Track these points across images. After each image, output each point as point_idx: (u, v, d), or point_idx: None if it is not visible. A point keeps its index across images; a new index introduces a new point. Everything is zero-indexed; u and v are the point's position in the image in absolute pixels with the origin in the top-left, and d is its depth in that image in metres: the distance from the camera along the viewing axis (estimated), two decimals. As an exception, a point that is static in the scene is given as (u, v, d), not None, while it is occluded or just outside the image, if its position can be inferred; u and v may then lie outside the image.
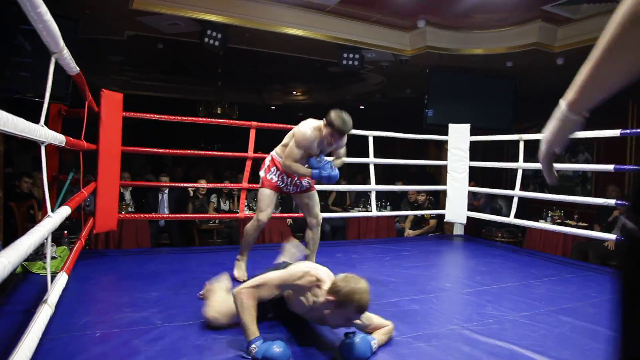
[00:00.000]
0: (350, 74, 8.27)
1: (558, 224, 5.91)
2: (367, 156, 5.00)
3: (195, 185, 5.57)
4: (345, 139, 3.13)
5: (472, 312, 2.66)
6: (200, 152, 4.77)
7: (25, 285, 2.79)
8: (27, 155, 8.56)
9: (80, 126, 3.28)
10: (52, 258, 3.13)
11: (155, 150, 4.24)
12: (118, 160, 3.81)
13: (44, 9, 1.28)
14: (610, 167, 3.97)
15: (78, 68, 2.31)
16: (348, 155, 5.31)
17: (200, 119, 4.71)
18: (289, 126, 4.63)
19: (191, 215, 5.59)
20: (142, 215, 4.90)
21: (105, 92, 3.63)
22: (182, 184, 5.73)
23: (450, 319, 2.52)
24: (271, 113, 12.66)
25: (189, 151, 4.57)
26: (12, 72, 4.59)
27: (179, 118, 4.29)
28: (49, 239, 1.81)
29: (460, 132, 5.40)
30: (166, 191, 6.01)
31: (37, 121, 1.67)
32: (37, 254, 3.09)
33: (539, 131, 8.29)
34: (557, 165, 6.63)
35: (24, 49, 4.59)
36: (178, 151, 4.44)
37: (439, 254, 4.64)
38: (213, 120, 4.75)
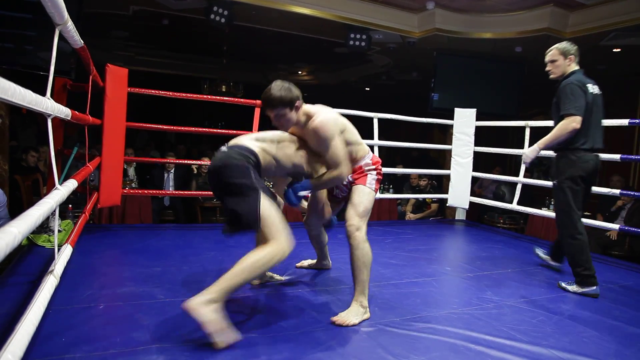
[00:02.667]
0: (356, 55, 8.19)
1: (560, 211, 5.89)
2: (372, 138, 4.99)
3: (199, 162, 5.57)
4: (320, 136, 2.17)
5: (472, 296, 2.68)
6: (204, 129, 4.74)
7: (31, 257, 2.82)
8: (30, 130, 8.57)
9: (84, 101, 3.27)
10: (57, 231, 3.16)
11: (160, 126, 4.23)
12: (122, 136, 3.81)
13: (50, -21, 1.26)
14: (616, 156, 3.95)
15: (82, 41, 2.29)
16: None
17: (204, 96, 4.68)
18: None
19: (194, 193, 5.60)
20: (145, 191, 4.91)
21: (110, 67, 3.61)
22: (186, 161, 5.74)
23: (450, 303, 2.54)
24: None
25: (193, 128, 4.55)
26: (16, 45, 4.56)
27: (184, 95, 4.27)
28: (57, 211, 1.83)
29: (466, 116, 5.36)
30: (172, 170, 6.02)
31: (42, 94, 1.66)
32: (42, 226, 3.12)
33: (545, 118, 8.25)
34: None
35: (28, 21, 4.55)
36: (182, 128, 4.42)
37: (440, 238, 4.66)
38: (217, 97, 4.72)
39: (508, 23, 6.13)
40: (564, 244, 2.98)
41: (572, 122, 2.81)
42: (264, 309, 2.27)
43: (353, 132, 2.41)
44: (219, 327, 1.75)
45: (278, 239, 1.92)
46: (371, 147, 5.11)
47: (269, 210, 1.94)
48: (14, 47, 4.62)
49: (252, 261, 1.87)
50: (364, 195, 2.39)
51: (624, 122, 3.84)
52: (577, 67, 2.98)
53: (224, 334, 1.77)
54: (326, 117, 2.19)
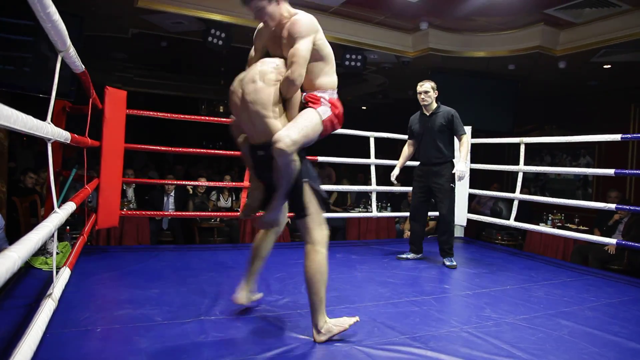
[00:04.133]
0: (352, 75, 8.29)
1: (559, 227, 5.91)
2: (369, 157, 5.02)
3: (195, 183, 5.58)
4: (294, 30, 2.03)
5: (471, 314, 2.67)
6: (202, 150, 4.79)
7: (28, 279, 2.80)
8: (29, 151, 8.60)
9: (84, 122, 3.30)
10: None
11: (158, 147, 4.25)
12: (121, 157, 3.83)
13: (53, 9, 1.29)
14: (610, 171, 3.98)
15: (83, 66, 2.33)
16: (350, 155, 5.35)
17: (202, 117, 4.73)
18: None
19: (191, 213, 5.60)
20: (143, 213, 4.91)
21: (109, 90, 3.65)
22: (183, 182, 5.74)
23: (449, 321, 2.53)
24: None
25: (191, 149, 4.59)
26: (16, 67, 4.61)
27: (182, 116, 4.31)
28: (55, 234, 1.83)
29: (461, 134, 5.40)
30: (172, 193, 6.01)
31: (40, 116, 1.68)
32: (40, 249, 3.10)
33: (540, 134, 8.34)
34: (559, 169, 6.61)
35: (28, 43, 4.61)
36: (180, 149, 4.45)
37: (439, 255, 4.65)
38: (215, 118, 4.76)
39: (500, 42, 6.23)
40: (451, 229, 4.02)
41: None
42: (255, 331, 2.26)
43: (330, 52, 2.19)
44: (342, 328, 2.10)
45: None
46: (368, 166, 5.15)
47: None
48: (14, 70, 4.67)
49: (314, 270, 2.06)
50: (309, 118, 2.04)
51: (616, 137, 3.88)
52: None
53: (345, 326, 2.10)
54: (308, 16, 2.08)
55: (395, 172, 4.22)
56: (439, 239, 4.06)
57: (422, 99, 3.95)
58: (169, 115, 4.18)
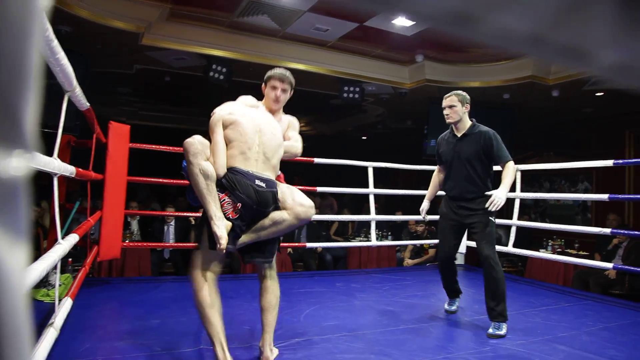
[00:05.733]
0: (351, 106, 8.46)
1: (559, 253, 5.90)
2: (367, 186, 5.09)
3: (195, 214, 5.64)
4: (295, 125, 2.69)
5: (469, 340, 2.69)
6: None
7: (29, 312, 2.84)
8: (32, 184, 8.70)
9: (88, 155, 3.40)
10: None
11: (160, 180, 4.34)
12: (124, 190, 3.91)
13: (62, 55, 1.40)
14: (604, 196, 4.03)
15: (88, 104, 2.44)
16: (350, 185, 5.42)
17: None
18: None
19: (191, 245, 5.63)
20: (144, 244, 4.96)
21: (113, 125, 3.77)
22: (185, 214, 5.80)
23: (446, 347, 2.55)
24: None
25: (192, 181, 4.66)
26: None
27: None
28: (59, 265, 1.89)
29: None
30: (172, 223, 6.06)
31: (45, 150, 1.77)
32: (42, 281, 3.15)
33: (539, 161, 8.42)
34: (554, 195, 6.62)
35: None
36: (182, 181, 4.53)
37: (438, 283, 4.60)
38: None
39: (494, 72, 6.39)
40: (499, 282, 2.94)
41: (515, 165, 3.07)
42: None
43: None
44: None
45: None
46: (367, 196, 5.21)
47: None
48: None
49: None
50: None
51: (609, 162, 3.95)
52: (469, 119, 3.14)
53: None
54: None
55: (425, 206, 3.42)
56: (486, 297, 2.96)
57: (447, 115, 3.07)
58: (170, 148, 4.29)
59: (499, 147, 2.98)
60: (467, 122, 3.07)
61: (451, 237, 3.12)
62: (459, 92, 3.09)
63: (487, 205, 2.86)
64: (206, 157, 2.07)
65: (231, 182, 2.06)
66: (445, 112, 3.08)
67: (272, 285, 2.24)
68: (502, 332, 2.77)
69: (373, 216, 5.13)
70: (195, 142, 2.06)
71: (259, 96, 2.53)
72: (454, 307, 3.33)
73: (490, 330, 2.79)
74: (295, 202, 2.14)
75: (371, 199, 5.12)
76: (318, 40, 5.86)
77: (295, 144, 2.49)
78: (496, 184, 3.01)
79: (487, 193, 3.00)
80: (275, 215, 2.12)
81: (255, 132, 2.17)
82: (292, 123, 2.58)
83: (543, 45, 0.24)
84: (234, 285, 4.06)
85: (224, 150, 2.12)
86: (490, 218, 2.97)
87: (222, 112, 2.22)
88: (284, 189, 2.19)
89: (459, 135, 3.08)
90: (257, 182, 2.08)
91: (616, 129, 7.65)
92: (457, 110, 3.03)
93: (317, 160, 4.78)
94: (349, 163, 5.03)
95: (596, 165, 4.16)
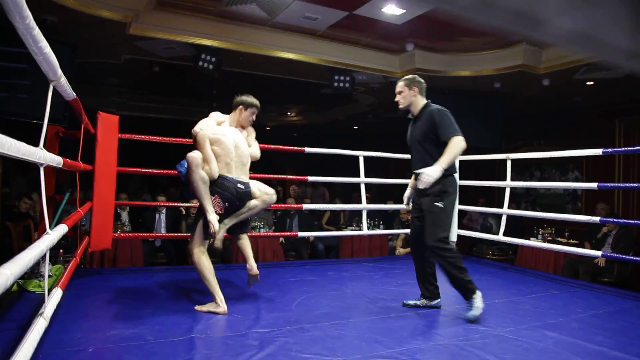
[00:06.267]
0: (342, 95, 8.45)
1: (549, 241, 5.98)
2: (358, 176, 5.10)
3: (190, 204, 5.63)
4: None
5: (458, 327, 2.72)
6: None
7: (21, 302, 2.84)
8: (23, 177, 8.63)
9: (77, 147, 3.37)
10: (48, 276, 3.17)
11: (150, 170, 4.32)
12: (113, 181, 3.89)
13: (44, 43, 1.38)
14: (594, 185, 4.08)
15: (74, 94, 2.41)
16: (342, 174, 5.43)
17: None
18: (282, 147, 4.76)
19: (183, 234, 5.63)
20: (136, 234, 4.95)
21: (101, 115, 3.74)
22: (176, 204, 5.79)
23: (436, 335, 2.58)
24: (266, 133, 12.82)
25: (183, 171, 4.64)
26: (10, 94, 4.70)
27: (173, 139, 4.39)
28: (47, 255, 1.89)
29: (449, 151, 5.50)
30: (164, 211, 6.06)
31: (33, 142, 1.76)
32: (33, 272, 3.14)
33: (529, 150, 8.48)
34: (544, 184, 6.65)
35: (23, 70, 4.70)
36: (173, 171, 4.51)
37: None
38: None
39: (485, 61, 6.40)
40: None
41: (463, 141, 2.91)
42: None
43: None
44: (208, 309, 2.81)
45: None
46: (358, 185, 5.23)
47: None
48: (7, 97, 4.75)
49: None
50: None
51: (598, 151, 3.99)
52: (424, 99, 3.09)
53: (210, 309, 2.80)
54: None
55: (408, 194, 3.34)
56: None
57: (397, 101, 3.09)
58: (160, 138, 4.26)
59: (443, 122, 2.91)
60: (420, 104, 3.06)
61: (416, 222, 3.10)
62: (407, 76, 3.11)
63: (445, 195, 2.88)
64: (202, 166, 2.81)
65: (219, 187, 2.87)
66: (395, 99, 3.09)
67: (244, 237, 3.27)
68: (477, 304, 2.82)
69: (364, 205, 5.15)
70: (197, 156, 2.80)
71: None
72: (411, 302, 3.16)
73: (468, 314, 2.83)
74: (262, 192, 3.05)
75: (362, 188, 5.14)
76: (308, 29, 5.83)
77: (256, 150, 3.30)
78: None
79: (447, 177, 2.93)
80: (250, 203, 3.00)
81: (233, 147, 2.97)
82: (251, 131, 3.35)
83: (493, 10, 0.25)
84: (226, 274, 4.06)
85: (215, 160, 2.88)
86: (436, 203, 2.89)
87: (207, 131, 2.94)
88: (252, 185, 3.03)
89: (413, 118, 3.11)
90: (239, 185, 2.93)
91: (607, 118, 7.71)
92: (404, 95, 3.04)
93: (308, 149, 4.78)
94: (339, 152, 5.04)
95: (586, 154, 4.20)
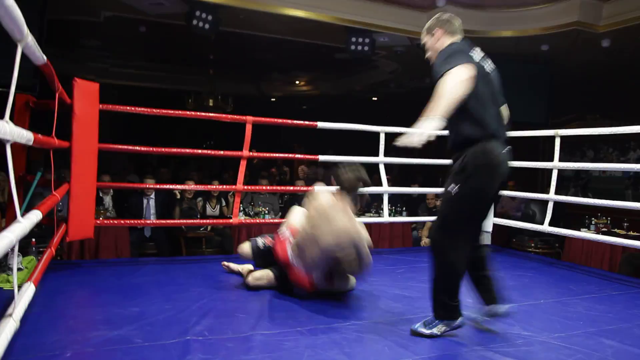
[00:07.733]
0: (360, 61, 8.33)
1: (604, 233, 5.89)
2: (377, 155, 5.03)
3: (182, 187, 5.63)
4: None
5: (497, 331, 2.68)
6: (189, 150, 4.80)
7: (-13, 300, 2.85)
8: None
9: (50, 120, 3.35)
10: (18, 270, 3.19)
11: (136, 148, 4.29)
12: (95, 159, 3.87)
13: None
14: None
15: (45, 57, 2.36)
16: (359, 153, 5.38)
17: (188, 112, 4.76)
18: (290, 121, 4.70)
19: (177, 222, 5.64)
20: (122, 221, 4.96)
21: (78, 82, 3.70)
22: (167, 186, 5.78)
23: (472, 339, 2.54)
24: (271, 105, 12.77)
25: (174, 149, 4.62)
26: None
27: (165, 112, 4.35)
28: (16, 247, 1.86)
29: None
30: (152, 196, 6.06)
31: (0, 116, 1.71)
32: (1, 265, 3.15)
33: (581, 125, 8.33)
34: (601, 165, 6.48)
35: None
36: (164, 149, 4.49)
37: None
38: (204, 114, 4.80)
39: (531, 18, 6.23)
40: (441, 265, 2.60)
41: (459, 73, 2.31)
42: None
43: None
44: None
45: None
46: (377, 165, 5.17)
47: None
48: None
49: None
50: None
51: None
52: (453, 39, 2.63)
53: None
54: None
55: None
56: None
57: (428, 59, 2.74)
58: (147, 110, 4.23)
59: (440, 60, 2.42)
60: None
61: None
62: (432, 20, 2.71)
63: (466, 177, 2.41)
64: None
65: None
66: (426, 57, 2.76)
67: None
68: (437, 330, 2.48)
69: (385, 188, 5.09)
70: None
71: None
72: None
73: (417, 324, 2.53)
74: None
75: (382, 168, 5.07)
76: (321, -20, 5.72)
77: None
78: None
79: (477, 144, 2.45)
80: None
81: None
82: None
83: None
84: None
85: None
86: (452, 184, 2.44)
87: None
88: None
89: None
90: None
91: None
92: (429, 45, 2.69)
93: (320, 124, 4.71)
94: (357, 128, 4.97)
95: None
